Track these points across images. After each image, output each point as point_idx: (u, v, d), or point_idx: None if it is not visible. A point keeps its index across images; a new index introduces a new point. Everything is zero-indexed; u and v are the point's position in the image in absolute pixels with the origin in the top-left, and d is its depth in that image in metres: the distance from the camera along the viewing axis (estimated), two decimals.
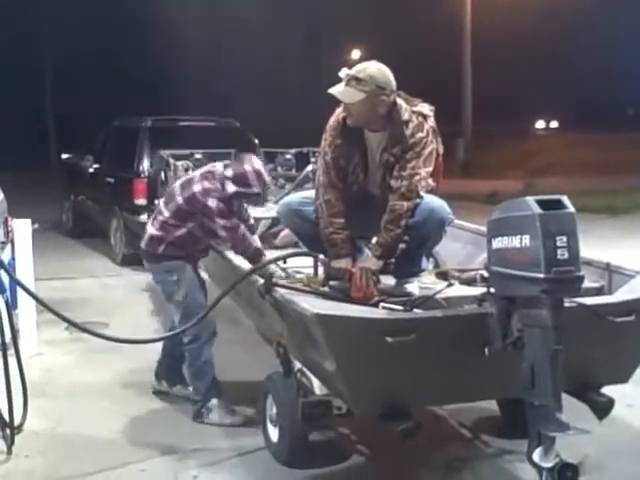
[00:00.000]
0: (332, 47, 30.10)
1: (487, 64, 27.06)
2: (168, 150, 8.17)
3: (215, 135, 9.86)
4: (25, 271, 6.20)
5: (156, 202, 9.29)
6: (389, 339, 3.18)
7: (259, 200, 5.46)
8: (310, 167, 7.20)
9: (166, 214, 4.74)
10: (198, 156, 7.81)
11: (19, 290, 6.15)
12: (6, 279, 4.90)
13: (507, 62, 29.34)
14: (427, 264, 4.18)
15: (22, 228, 6.15)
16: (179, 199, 4.70)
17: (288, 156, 8.14)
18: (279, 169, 8.06)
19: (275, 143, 9.55)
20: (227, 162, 5.02)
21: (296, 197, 4.15)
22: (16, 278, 4.18)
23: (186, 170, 7.06)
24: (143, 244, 4.88)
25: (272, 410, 4.14)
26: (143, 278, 9.01)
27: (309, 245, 4.06)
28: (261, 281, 3.78)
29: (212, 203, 4.56)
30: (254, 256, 4.60)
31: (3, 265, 3.65)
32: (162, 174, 7.91)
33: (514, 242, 3.10)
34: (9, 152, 22.55)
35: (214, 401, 4.73)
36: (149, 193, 9.30)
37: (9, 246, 6.43)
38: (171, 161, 7.49)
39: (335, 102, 3.83)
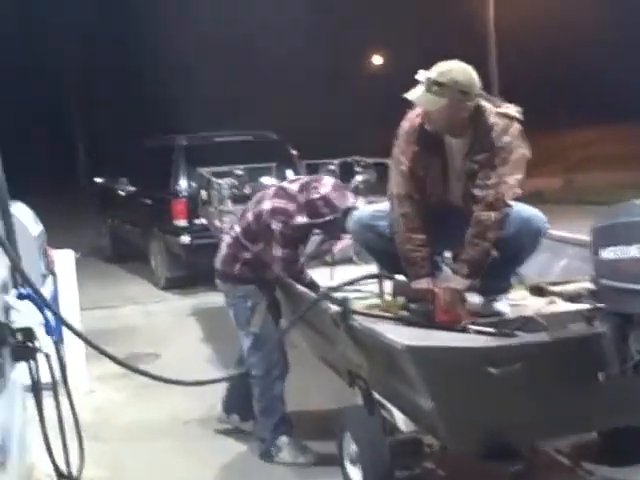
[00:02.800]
0: (352, 51, 29.74)
1: (511, 59, 26.47)
2: (206, 168, 7.87)
3: (252, 149, 9.52)
4: (70, 304, 5.91)
5: (196, 222, 9.19)
6: (492, 370, 2.78)
7: (335, 229, 4.41)
8: (360, 177, 6.84)
9: (238, 230, 4.45)
10: (239, 172, 7.50)
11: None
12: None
13: (531, 57, 28.73)
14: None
15: (64, 259, 5.85)
16: (249, 215, 4.40)
17: (332, 167, 7.74)
18: None
19: (313, 154, 9.22)
20: (302, 180, 4.58)
21: (368, 211, 3.75)
22: (64, 319, 3.84)
23: (232, 188, 6.73)
24: (218, 263, 4.54)
25: (351, 448, 3.75)
26: (188, 303, 8.74)
27: (384, 264, 3.67)
28: (334, 308, 3.40)
29: (276, 227, 4.22)
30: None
31: (49, 305, 3.29)
32: (203, 193, 7.59)
33: (630, 252, 2.70)
34: (39, 177, 22.53)
35: (284, 438, 4.38)
36: (189, 213, 9.03)
37: (50, 278, 6.17)
38: (213, 179, 7.16)
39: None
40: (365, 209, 3.83)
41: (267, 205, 4.31)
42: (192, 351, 6.81)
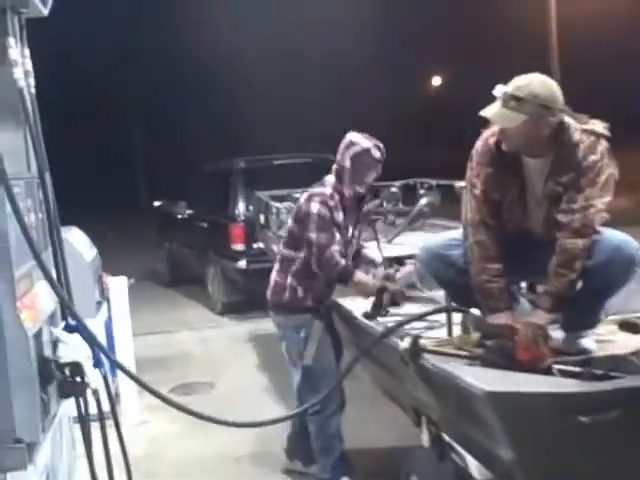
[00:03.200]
0: (412, 68, 29.51)
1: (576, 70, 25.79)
2: (265, 191, 7.66)
3: (312, 172, 9.22)
4: (123, 331, 5.76)
5: (254, 246, 9.01)
6: (583, 419, 2.46)
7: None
8: (424, 201, 6.54)
9: (282, 248, 4.32)
10: (297, 196, 7.26)
11: (118, 349, 5.73)
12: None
13: (596, 68, 27.95)
14: None
15: (118, 286, 5.69)
16: (290, 223, 4.28)
17: (394, 189, 7.45)
18: (385, 204, 7.41)
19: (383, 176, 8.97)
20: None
21: (440, 239, 3.45)
22: (109, 354, 3.64)
23: (290, 212, 6.50)
24: (268, 294, 4.37)
25: None
26: (244, 328, 8.53)
27: (456, 296, 3.36)
28: (402, 344, 3.11)
29: (314, 208, 4.08)
30: (341, 277, 4.06)
31: (101, 346, 3.09)
32: (262, 217, 7.38)
33: None
34: (102, 200, 22.78)
35: (344, 479, 4.09)
36: (246, 238, 8.84)
37: (105, 304, 6.04)
38: (271, 203, 6.94)
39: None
40: (437, 237, 3.52)
41: (302, 200, 4.23)
42: (248, 380, 6.58)
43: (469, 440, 2.93)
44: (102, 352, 3.11)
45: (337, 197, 4.16)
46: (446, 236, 3.44)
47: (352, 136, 4.22)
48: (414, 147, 26.88)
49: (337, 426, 4.13)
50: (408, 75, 29.34)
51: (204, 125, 26.28)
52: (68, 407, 3.57)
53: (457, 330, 3.52)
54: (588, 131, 3.05)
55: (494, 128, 3.18)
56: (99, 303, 5.88)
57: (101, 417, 3.55)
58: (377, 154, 4.14)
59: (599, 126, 3.07)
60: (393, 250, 6.41)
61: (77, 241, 5.73)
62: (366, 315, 4.26)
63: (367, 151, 4.13)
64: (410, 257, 6.02)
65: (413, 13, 27.07)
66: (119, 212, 21.53)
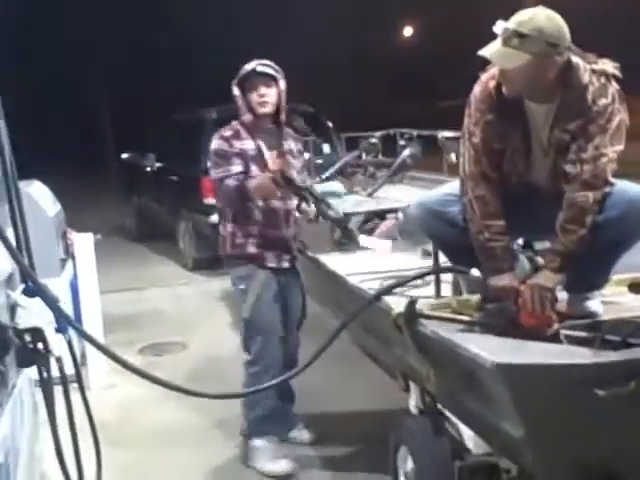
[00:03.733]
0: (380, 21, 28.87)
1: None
2: None
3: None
4: (89, 290, 5.45)
5: None
6: (600, 392, 2.22)
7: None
8: (407, 152, 6.25)
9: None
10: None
11: (84, 309, 5.44)
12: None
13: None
14: None
15: (84, 242, 5.36)
16: None
17: (373, 140, 7.13)
18: (364, 156, 7.11)
19: (347, 127, 8.65)
20: None
21: (435, 195, 3.14)
22: (72, 321, 3.35)
23: None
24: (219, 250, 4.26)
25: (408, 467, 3.23)
26: (216, 285, 8.23)
27: (453, 256, 3.08)
28: (396, 308, 2.85)
29: (211, 147, 4.07)
30: (241, 195, 3.88)
31: (60, 310, 2.79)
32: None
33: None
34: (67, 155, 22.18)
35: (257, 442, 4.03)
36: None
37: (70, 262, 5.73)
38: None
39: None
40: (432, 193, 3.21)
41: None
42: (220, 339, 6.31)
43: (469, 413, 2.70)
44: (62, 317, 2.82)
45: (239, 126, 4.06)
46: (441, 191, 3.14)
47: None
48: (386, 98, 26.47)
49: (268, 383, 3.90)
50: (377, 26, 28.70)
51: (173, 73, 25.58)
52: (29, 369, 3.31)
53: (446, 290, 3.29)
54: (598, 71, 2.75)
55: (494, 70, 2.88)
56: (63, 260, 5.57)
57: (64, 383, 3.26)
58: (260, 68, 4.00)
59: (609, 66, 2.78)
60: (374, 204, 6.15)
61: (39, 195, 5.38)
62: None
63: (249, 71, 4.00)
64: (391, 211, 5.77)
65: None
66: (86, 167, 20.99)
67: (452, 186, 3.07)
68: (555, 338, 2.70)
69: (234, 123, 4.09)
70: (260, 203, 3.97)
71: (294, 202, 4.06)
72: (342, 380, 5.01)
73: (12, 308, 2.80)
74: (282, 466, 3.95)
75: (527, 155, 2.90)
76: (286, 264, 4.15)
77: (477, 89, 2.93)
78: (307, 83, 21.38)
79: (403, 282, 3.04)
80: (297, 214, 4.15)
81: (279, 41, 23.76)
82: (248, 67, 4.02)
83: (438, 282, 3.24)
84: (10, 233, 2.95)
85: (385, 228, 5.71)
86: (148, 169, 10.60)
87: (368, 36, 27.97)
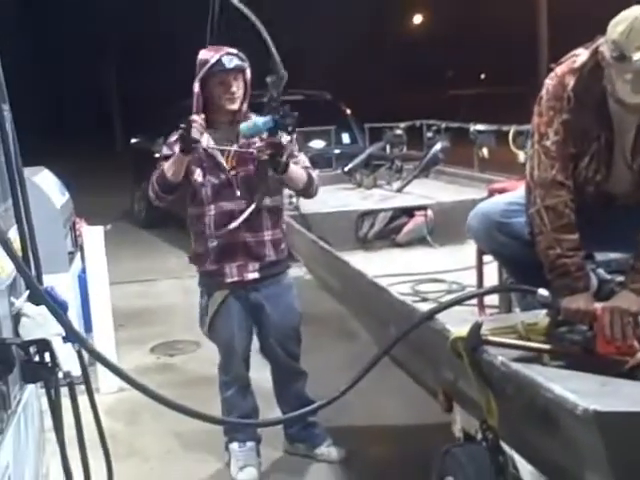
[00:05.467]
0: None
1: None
2: None
3: (305, 110, 8.56)
4: (99, 284, 5.13)
5: None
6: None
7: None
8: (439, 146, 5.91)
9: None
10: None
11: (93, 304, 5.12)
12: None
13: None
14: None
15: (94, 237, 5.02)
16: None
17: (398, 132, 6.81)
18: (388, 148, 6.76)
19: (365, 117, 8.32)
20: None
21: (497, 204, 2.78)
22: (79, 335, 3.03)
23: None
24: None
25: None
26: None
27: (517, 273, 2.73)
28: (455, 332, 2.50)
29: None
30: (163, 185, 3.77)
31: (60, 315, 2.45)
32: None
33: None
34: (77, 138, 21.93)
35: (233, 445, 3.82)
36: None
37: (78, 254, 5.42)
38: None
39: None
40: (494, 200, 2.85)
41: None
42: None
43: (541, 455, 2.35)
44: (69, 331, 2.48)
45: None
46: (504, 199, 2.78)
47: (201, 54, 3.63)
48: (397, 87, 26.14)
49: (233, 395, 3.83)
50: (388, 13, 28.31)
51: (186, 58, 25.19)
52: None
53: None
54: None
55: (571, 63, 2.53)
56: (71, 254, 5.24)
57: (75, 407, 2.94)
58: (228, 62, 3.56)
59: None
60: (401, 200, 5.82)
61: (46, 185, 5.04)
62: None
63: (215, 65, 3.55)
64: (420, 208, 5.43)
65: None
66: (95, 151, 20.67)
67: (515, 194, 2.71)
68: (635, 372, 2.35)
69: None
70: (212, 208, 3.69)
71: (252, 205, 3.60)
72: (373, 391, 4.65)
73: (16, 318, 2.49)
74: (247, 475, 3.74)
75: (609, 162, 2.55)
76: (254, 275, 3.68)
77: (550, 84, 2.58)
78: (325, 70, 21.05)
79: (461, 300, 2.69)
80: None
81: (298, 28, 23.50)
82: (212, 60, 3.53)
83: (509, 303, 2.93)
84: (14, 228, 2.66)
85: (413, 225, 5.40)
86: (157, 154, 10.26)
87: (381, 24, 27.61)
